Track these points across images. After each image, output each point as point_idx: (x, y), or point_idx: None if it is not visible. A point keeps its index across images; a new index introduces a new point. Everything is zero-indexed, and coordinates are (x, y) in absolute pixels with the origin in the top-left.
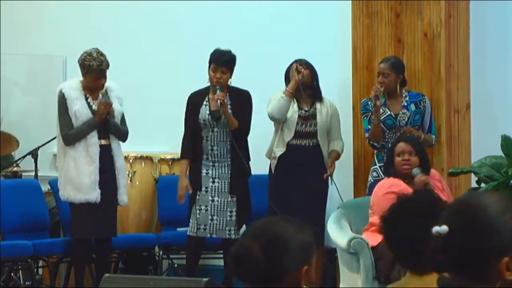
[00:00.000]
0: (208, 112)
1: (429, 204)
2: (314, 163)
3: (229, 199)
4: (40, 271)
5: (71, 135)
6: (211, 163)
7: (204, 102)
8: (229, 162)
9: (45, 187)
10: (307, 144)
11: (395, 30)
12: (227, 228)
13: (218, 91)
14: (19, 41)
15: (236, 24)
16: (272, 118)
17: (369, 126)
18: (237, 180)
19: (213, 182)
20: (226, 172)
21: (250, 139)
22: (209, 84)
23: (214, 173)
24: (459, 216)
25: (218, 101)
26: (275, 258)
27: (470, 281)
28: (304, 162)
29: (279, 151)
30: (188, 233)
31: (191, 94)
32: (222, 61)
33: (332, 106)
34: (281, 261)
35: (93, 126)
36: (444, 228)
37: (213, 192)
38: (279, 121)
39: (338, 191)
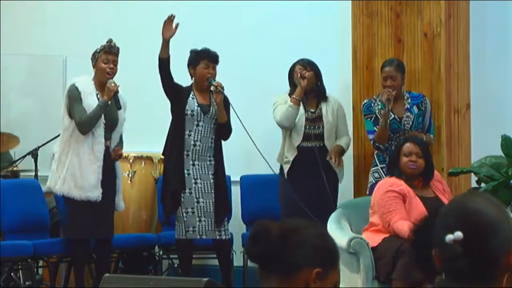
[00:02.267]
0: (197, 104)
1: None
2: (323, 164)
3: (213, 199)
4: (40, 271)
5: (86, 119)
6: (191, 162)
7: (191, 95)
8: (209, 161)
9: (45, 187)
10: (317, 145)
11: (395, 30)
12: (216, 229)
13: (213, 81)
14: (19, 41)
15: (236, 24)
16: (281, 126)
17: (374, 128)
18: (220, 179)
19: (196, 183)
20: (207, 172)
21: (245, 139)
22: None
23: (195, 174)
24: (465, 222)
25: (218, 88)
26: (290, 245)
27: (485, 281)
28: (315, 164)
29: (291, 155)
30: (176, 237)
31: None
32: (213, 58)
33: (337, 103)
34: (295, 251)
35: (104, 107)
36: (458, 234)
37: (197, 193)
38: (289, 129)
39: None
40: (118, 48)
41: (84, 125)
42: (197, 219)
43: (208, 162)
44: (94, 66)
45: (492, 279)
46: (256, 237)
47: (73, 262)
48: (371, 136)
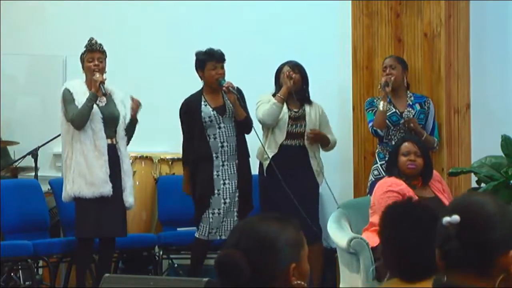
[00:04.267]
0: (211, 109)
1: (431, 213)
2: (304, 163)
3: (236, 199)
4: (40, 271)
5: (76, 115)
6: (221, 163)
7: (203, 103)
8: (236, 160)
9: (45, 187)
10: (297, 145)
11: (395, 30)
12: None
13: (223, 82)
14: (19, 41)
15: (236, 24)
16: (263, 123)
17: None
18: (244, 174)
19: (224, 184)
20: (234, 172)
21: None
22: (200, 88)
23: (224, 175)
24: (463, 210)
25: (229, 88)
26: (260, 263)
27: (474, 273)
28: (295, 162)
29: (271, 152)
30: (197, 236)
31: (183, 102)
32: (219, 58)
33: (320, 108)
34: (266, 265)
35: (92, 99)
36: (455, 217)
37: (224, 194)
38: (270, 126)
39: (332, 193)
40: (101, 45)
41: (77, 120)
42: (221, 220)
43: (236, 161)
44: (83, 69)
45: (485, 273)
46: (225, 270)
47: (77, 262)
48: (369, 124)
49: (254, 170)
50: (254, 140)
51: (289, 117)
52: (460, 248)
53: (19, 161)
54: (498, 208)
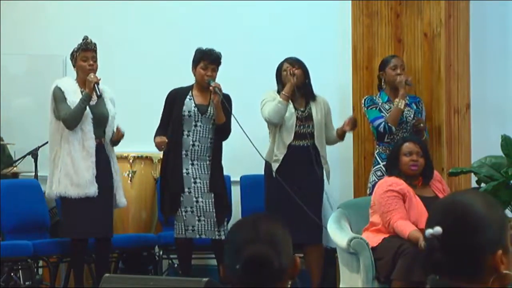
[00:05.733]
0: (194, 104)
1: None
2: (312, 163)
3: (212, 199)
4: (40, 271)
5: (70, 115)
6: (190, 161)
7: (188, 96)
8: (209, 161)
9: (45, 187)
10: (305, 144)
11: (395, 30)
12: (215, 229)
13: (211, 82)
14: (19, 41)
15: (235, 24)
16: (270, 122)
17: (381, 114)
18: (217, 178)
19: (195, 182)
20: (206, 172)
21: (245, 139)
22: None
23: (194, 173)
24: (448, 216)
25: (215, 89)
26: (282, 256)
27: (465, 279)
28: (304, 163)
29: (281, 153)
30: (175, 235)
31: (172, 90)
32: (213, 60)
33: (325, 102)
34: (284, 258)
35: (86, 100)
36: (437, 229)
37: (196, 192)
38: (277, 125)
39: (328, 199)
40: (95, 44)
41: (70, 120)
42: (196, 218)
43: (207, 162)
44: (74, 66)
45: (475, 278)
46: (261, 266)
47: (72, 262)
48: (378, 121)
49: (260, 171)
50: (262, 141)
51: (297, 117)
52: (446, 259)
53: (19, 161)
54: (486, 207)
